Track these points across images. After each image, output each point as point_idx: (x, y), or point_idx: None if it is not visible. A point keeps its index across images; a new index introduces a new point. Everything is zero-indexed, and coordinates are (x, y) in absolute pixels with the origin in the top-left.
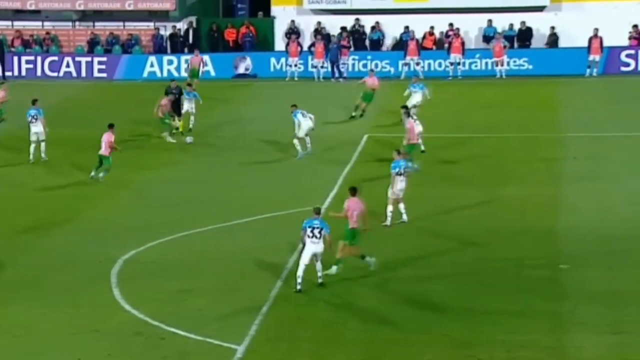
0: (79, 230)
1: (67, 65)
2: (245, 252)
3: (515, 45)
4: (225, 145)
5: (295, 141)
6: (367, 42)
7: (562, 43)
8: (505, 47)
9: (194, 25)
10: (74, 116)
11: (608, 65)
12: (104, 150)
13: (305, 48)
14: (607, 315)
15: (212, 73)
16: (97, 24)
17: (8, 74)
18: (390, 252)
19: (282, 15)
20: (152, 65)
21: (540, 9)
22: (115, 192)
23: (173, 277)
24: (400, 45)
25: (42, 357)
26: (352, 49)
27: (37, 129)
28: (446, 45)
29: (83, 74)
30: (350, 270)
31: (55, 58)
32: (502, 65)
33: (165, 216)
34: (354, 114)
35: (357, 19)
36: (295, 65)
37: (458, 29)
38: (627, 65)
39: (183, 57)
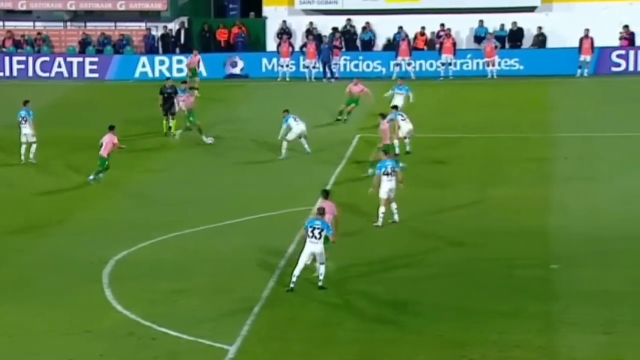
0: (71, 231)
1: (59, 66)
2: (237, 253)
3: (507, 45)
4: (217, 146)
5: (284, 144)
6: (359, 43)
7: (553, 43)
8: (496, 47)
9: (186, 25)
10: (66, 116)
11: (599, 66)
12: (103, 152)
13: (296, 48)
14: (598, 315)
15: (204, 73)
16: (88, 24)
17: None
18: (383, 252)
19: (273, 16)
20: (143, 66)
21: (531, 9)
22: (108, 193)
23: (165, 278)
24: (392, 45)
25: (35, 357)
26: (343, 49)
27: (26, 130)
28: (437, 45)
29: (74, 74)
30: (343, 270)
31: (47, 58)
32: (493, 65)
33: (157, 216)
34: (339, 117)
35: (349, 20)
36: (287, 66)
37: (449, 30)
38: (618, 65)
39: (175, 57)
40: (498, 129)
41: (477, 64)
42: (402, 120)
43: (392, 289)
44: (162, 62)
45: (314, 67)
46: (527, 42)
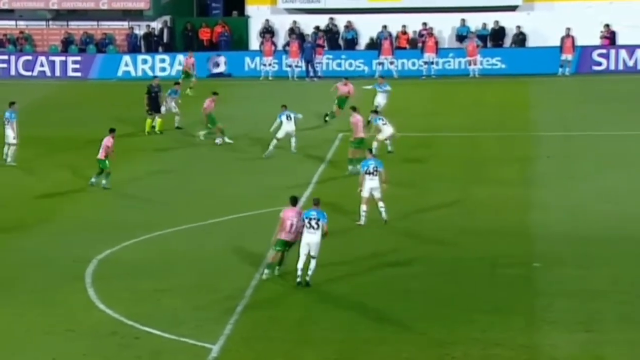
0: (53, 230)
1: (41, 65)
2: (221, 252)
3: (489, 44)
4: (200, 144)
5: (274, 141)
6: (341, 42)
7: (535, 42)
8: (478, 46)
9: (169, 24)
10: (50, 116)
11: (580, 65)
12: (100, 155)
13: (279, 47)
14: (579, 314)
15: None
16: (71, 23)
17: None
18: (365, 251)
19: (256, 15)
20: (126, 65)
21: (512, 8)
22: (91, 192)
23: (148, 277)
24: (375, 44)
25: (17, 356)
26: (326, 48)
27: (8, 132)
28: (420, 44)
29: (57, 73)
30: (326, 269)
31: (29, 57)
32: (475, 64)
33: (141, 215)
34: (327, 119)
35: (331, 19)
36: (270, 65)
37: (432, 29)
38: (599, 64)
39: (157, 57)
40: (480, 127)
41: (460, 62)
42: (383, 124)
43: (375, 288)
44: (144, 61)
45: (296, 66)
46: (509, 41)
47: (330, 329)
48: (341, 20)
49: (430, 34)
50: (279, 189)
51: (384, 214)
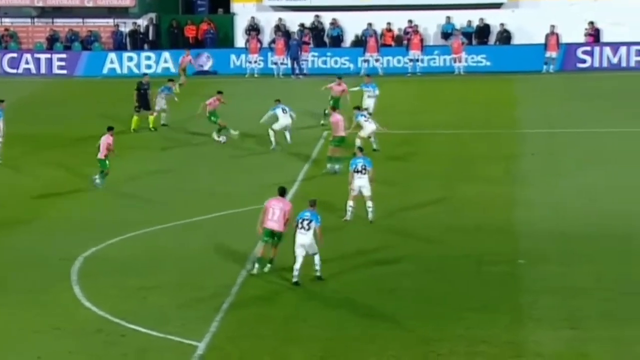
0: (39, 229)
1: (27, 62)
2: (207, 249)
3: (474, 42)
4: (187, 142)
5: (271, 132)
6: (327, 39)
7: (520, 40)
8: (463, 43)
9: (154, 21)
10: (35, 113)
11: (565, 62)
12: (100, 154)
13: (265, 45)
14: (564, 311)
15: (173, 70)
16: (56, 20)
17: None
18: (352, 249)
19: (242, 12)
20: (112, 62)
21: (497, 6)
22: (78, 190)
23: (134, 275)
24: (360, 41)
25: (3, 355)
26: (312, 45)
27: None
28: (405, 42)
29: (43, 70)
30: (313, 267)
31: (15, 55)
32: (460, 61)
33: (126, 213)
34: (323, 122)
35: (317, 16)
36: (255, 62)
37: (417, 26)
38: (584, 61)
39: (143, 54)
40: (465, 125)
41: (445, 60)
42: (365, 121)
43: (361, 286)
44: (130, 59)
45: (282, 64)
46: (494, 38)
47: (316, 326)
48: (327, 18)
49: (416, 32)
50: (265, 186)
51: (370, 214)
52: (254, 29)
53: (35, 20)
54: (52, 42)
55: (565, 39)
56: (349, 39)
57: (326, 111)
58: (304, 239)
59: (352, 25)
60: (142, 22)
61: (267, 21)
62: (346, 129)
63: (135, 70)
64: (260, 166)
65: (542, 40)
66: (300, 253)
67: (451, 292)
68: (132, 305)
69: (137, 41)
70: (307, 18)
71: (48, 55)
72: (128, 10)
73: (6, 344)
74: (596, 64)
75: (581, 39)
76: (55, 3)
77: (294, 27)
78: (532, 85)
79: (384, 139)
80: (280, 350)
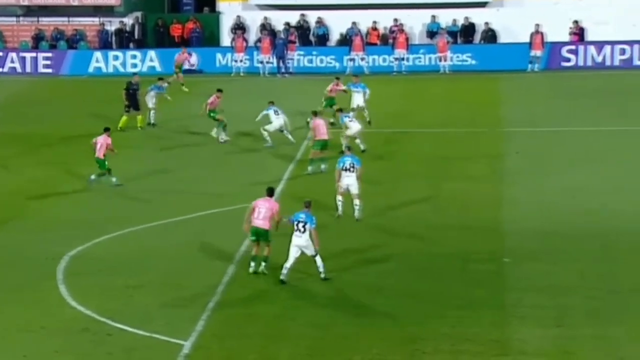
0: (25, 227)
1: (12, 61)
2: (192, 248)
3: (459, 40)
4: (172, 141)
5: (264, 132)
6: (313, 38)
7: (505, 39)
8: (448, 42)
9: (140, 20)
10: (22, 112)
11: (550, 61)
12: (98, 153)
13: (251, 43)
14: (549, 309)
15: (158, 68)
16: (41, 19)
17: None
18: (338, 247)
19: (227, 11)
20: (97, 61)
21: (482, 4)
22: (64, 188)
23: (120, 273)
24: (346, 40)
25: None
26: (297, 44)
27: None
28: (391, 40)
29: (28, 69)
30: (299, 266)
31: (0, 53)
32: (445, 60)
33: (113, 212)
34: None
35: (303, 15)
36: (241, 61)
37: (402, 25)
38: (568, 60)
39: (129, 53)
40: (451, 124)
41: (430, 59)
42: (350, 121)
43: (346, 284)
44: (116, 58)
45: (268, 62)
46: (479, 37)
47: (302, 324)
48: (312, 17)
49: (401, 30)
50: (250, 185)
51: (357, 212)
52: (239, 28)
53: (21, 19)
54: (37, 40)
55: (550, 37)
56: (334, 37)
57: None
58: (299, 241)
59: (338, 24)
60: (128, 20)
61: (253, 20)
62: (328, 131)
63: (121, 69)
64: (244, 166)
65: (527, 39)
66: (294, 254)
67: (436, 290)
68: (118, 304)
69: (123, 40)
70: (293, 17)
71: (34, 54)
72: (114, 9)
73: None
74: (580, 63)
75: (566, 38)
76: (40, 2)
77: (279, 26)
78: (517, 84)
79: (369, 138)
80: (266, 349)
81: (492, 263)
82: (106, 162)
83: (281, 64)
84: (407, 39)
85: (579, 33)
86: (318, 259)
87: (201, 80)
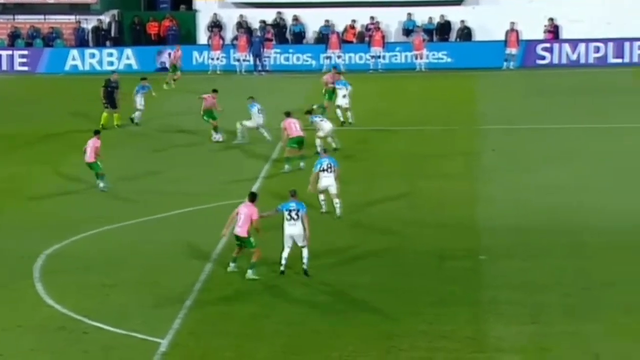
0: (1, 226)
1: None
2: (169, 246)
3: (435, 38)
4: (149, 139)
5: (240, 127)
6: (289, 36)
7: (480, 36)
8: (424, 40)
9: (117, 18)
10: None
11: (525, 59)
12: (89, 158)
13: (227, 41)
14: (525, 306)
15: (135, 66)
16: (17, 17)
17: None
18: (315, 244)
19: (204, 9)
20: (74, 59)
21: (458, 2)
22: (40, 187)
23: (96, 272)
24: (322, 38)
25: None
26: (274, 42)
27: None
28: (367, 38)
29: (4, 67)
30: (275, 264)
31: None
32: (421, 58)
33: (88, 210)
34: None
35: (279, 12)
36: (218, 59)
37: (379, 23)
38: (543, 58)
39: (105, 51)
40: (427, 121)
41: (406, 56)
42: (321, 121)
43: (323, 281)
44: (92, 55)
45: (244, 60)
46: (454, 35)
47: (278, 322)
48: (289, 14)
49: (377, 28)
50: (226, 183)
51: (338, 210)
52: (216, 26)
53: None
54: (13, 38)
55: (525, 35)
56: (311, 36)
57: (323, 106)
58: (293, 229)
59: (315, 22)
60: (105, 18)
61: (230, 18)
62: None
63: (98, 67)
64: (220, 163)
65: (502, 37)
66: (289, 244)
67: (413, 288)
68: (94, 302)
69: (100, 38)
70: (270, 15)
71: (10, 52)
72: (90, 6)
73: None
74: (555, 61)
75: (541, 35)
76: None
77: (256, 24)
78: (492, 82)
79: (345, 135)
80: (243, 346)
81: (467, 260)
82: (99, 164)
83: (258, 62)
84: (383, 37)
85: (553, 31)
86: (305, 251)
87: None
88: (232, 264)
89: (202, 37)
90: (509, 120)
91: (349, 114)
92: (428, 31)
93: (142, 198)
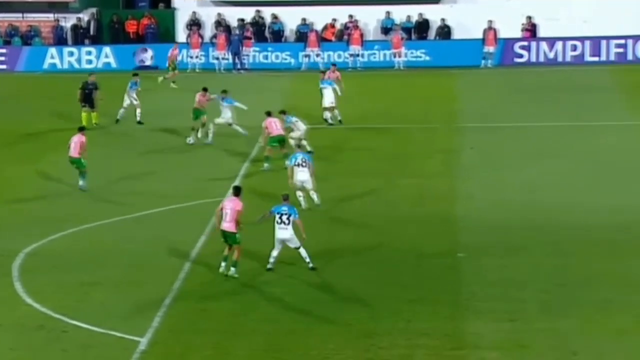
0: None
1: None
2: (149, 245)
3: (413, 37)
4: (127, 137)
5: (212, 126)
6: (268, 34)
7: (458, 35)
8: (403, 38)
9: (95, 16)
10: None
11: (503, 57)
12: (73, 153)
13: (206, 39)
14: (503, 303)
15: (114, 65)
16: None
17: None
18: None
19: (183, 7)
20: (52, 57)
21: (436, 1)
22: (19, 185)
23: (76, 270)
24: (301, 37)
25: None
26: (254, 40)
27: None
28: (345, 37)
29: None
30: (255, 261)
31: None
32: (400, 56)
33: (67, 209)
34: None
35: (258, 11)
36: (197, 57)
37: (357, 21)
38: (521, 56)
39: (84, 49)
40: (405, 119)
41: (385, 55)
42: (295, 121)
43: (303, 279)
44: (71, 54)
45: (223, 59)
46: (433, 33)
47: (257, 320)
48: (267, 13)
49: (356, 27)
50: (205, 181)
51: (316, 200)
52: (195, 24)
53: None
54: None
55: (503, 34)
56: (290, 34)
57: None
58: (285, 233)
59: (294, 20)
60: (84, 17)
61: (208, 16)
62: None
63: (76, 65)
64: (199, 162)
65: (480, 35)
66: (280, 246)
67: (391, 286)
68: (73, 301)
69: (78, 36)
70: (249, 13)
71: None
72: (68, 5)
73: None
74: (533, 59)
75: (518, 34)
76: None
77: (234, 22)
78: (470, 80)
79: (324, 134)
80: (222, 344)
81: (446, 258)
82: (82, 161)
83: (237, 60)
84: (361, 35)
85: (531, 29)
86: (302, 251)
87: (157, 77)
88: (223, 264)
89: (181, 35)
90: (487, 119)
91: (336, 112)
92: (406, 29)
93: (121, 197)
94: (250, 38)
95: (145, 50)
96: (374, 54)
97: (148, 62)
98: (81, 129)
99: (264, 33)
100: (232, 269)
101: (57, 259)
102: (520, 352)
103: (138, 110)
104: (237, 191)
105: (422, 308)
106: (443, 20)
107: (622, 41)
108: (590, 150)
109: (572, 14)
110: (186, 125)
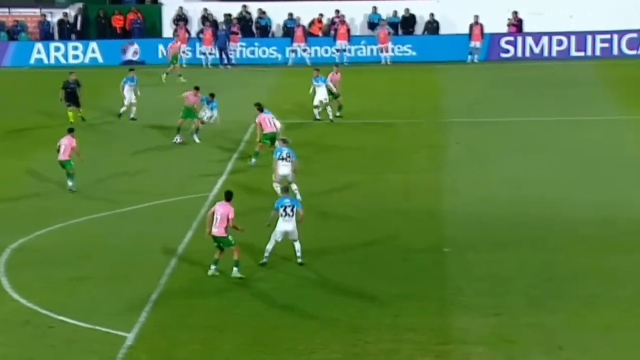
0: None
1: None
2: (135, 240)
3: (400, 32)
4: (114, 133)
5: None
6: (255, 29)
7: (445, 30)
8: (389, 33)
9: (82, 11)
10: None
11: (489, 52)
12: (63, 155)
13: (193, 35)
14: (489, 298)
15: (100, 60)
16: None
17: None
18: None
19: (169, 2)
20: (39, 52)
21: None
22: (5, 181)
23: (63, 266)
24: (288, 32)
25: None
26: (240, 35)
27: None
28: (332, 32)
29: None
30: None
31: None
32: (386, 51)
33: (54, 204)
34: (338, 113)
35: (245, 6)
36: (184, 52)
37: (344, 16)
38: (507, 51)
39: (70, 44)
40: (391, 114)
41: (371, 50)
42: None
43: (290, 274)
44: (57, 49)
45: (210, 54)
46: (419, 28)
47: (245, 315)
48: (254, 8)
49: (343, 22)
50: (192, 177)
51: (298, 195)
52: (181, 19)
53: None
54: None
55: (489, 29)
56: (277, 29)
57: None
58: (288, 225)
59: (280, 15)
60: (70, 12)
61: (195, 11)
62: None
63: (63, 61)
64: (186, 157)
65: (466, 31)
66: (277, 239)
67: (378, 280)
68: (60, 296)
69: (65, 31)
70: (235, 8)
71: None
72: (55, 0)
73: None
74: (519, 54)
75: (504, 29)
76: None
77: (221, 17)
78: (457, 75)
79: (311, 129)
80: (209, 339)
81: (432, 253)
82: (72, 163)
83: (223, 56)
84: (348, 30)
85: (517, 24)
86: (297, 244)
87: (143, 72)
88: (212, 267)
89: (168, 30)
90: (473, 114)
91: (329, 108)
92: (393, 24)
93: (108, 193)
94: (237, 33)
95: (132, 45)
96: (361, 49)
97: (133, 57)
98: (70, 130)
99: (251, 28)
100: (235, 269)
101: (44, 255)
102: (507, 346)
103: (133, 108)
104: (228, 196)
105: (409, 303)
106: (432, 15)
107: (608, 36)
108: (576, 145)
109: (558, 9)
110: (173, 122)
